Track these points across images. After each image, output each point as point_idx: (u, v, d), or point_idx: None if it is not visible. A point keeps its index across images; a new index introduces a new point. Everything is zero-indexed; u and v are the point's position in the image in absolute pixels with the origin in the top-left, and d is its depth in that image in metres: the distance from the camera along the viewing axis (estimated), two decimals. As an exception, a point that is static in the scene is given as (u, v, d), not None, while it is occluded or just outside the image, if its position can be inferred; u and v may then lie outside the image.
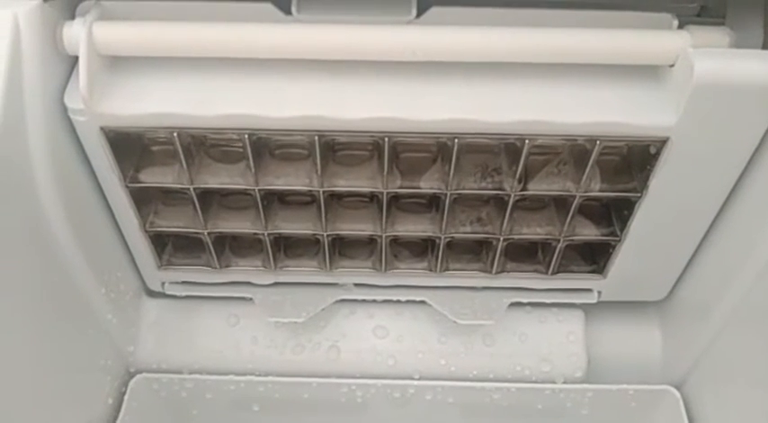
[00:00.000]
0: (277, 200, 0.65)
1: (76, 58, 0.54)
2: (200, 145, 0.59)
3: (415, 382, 0.70)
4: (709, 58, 0.50)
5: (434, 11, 0.53)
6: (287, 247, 0.69)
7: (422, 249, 0.69)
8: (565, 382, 0.70)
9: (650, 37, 0.52)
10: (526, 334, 0.71)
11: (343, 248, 0.69)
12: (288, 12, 0.54)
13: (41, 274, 0.56)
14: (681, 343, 0.71)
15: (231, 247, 0.69)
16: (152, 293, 0.72)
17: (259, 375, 0.70)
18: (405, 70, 0.53)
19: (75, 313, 0.62)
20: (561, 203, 0.62)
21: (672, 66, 0.52)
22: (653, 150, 0.56)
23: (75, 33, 0.52)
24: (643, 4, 0.54)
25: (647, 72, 0.54)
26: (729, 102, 0.51)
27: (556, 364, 0.70)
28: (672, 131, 0.53)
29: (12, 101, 0.50)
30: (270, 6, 0.54)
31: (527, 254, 0.69)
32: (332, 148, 0.59)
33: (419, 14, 0.53)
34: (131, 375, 0.70)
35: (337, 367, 0.71)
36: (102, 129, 0.54)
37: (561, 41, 0.51)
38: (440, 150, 0.59)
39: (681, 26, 0.53)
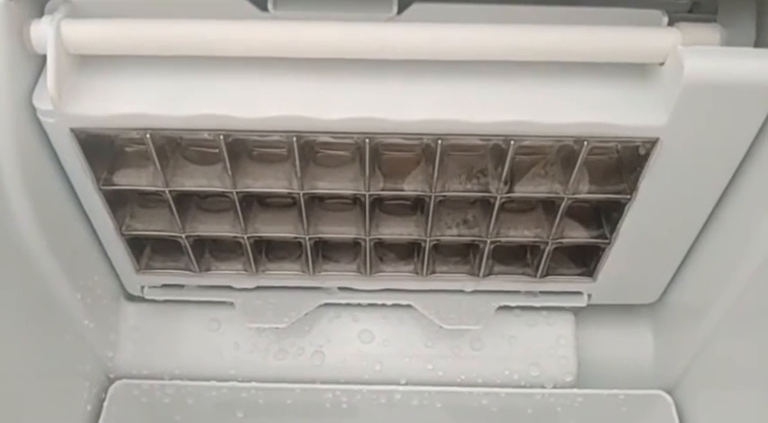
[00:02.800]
0: (257, 202, 0.63)
1: (45, 57, 0.52)
2: (176, 146, 0.57)
3: (402, 388, 0.68)
4: (700, 56, 0.48)
5: (416, 7, 0.51)
6: (268, 251, 0.67)
7: (408, 252, 0.67)
8: (555, 387, 0.68)
9: (639, 34, 0.50)
10: (515, 338, 0.69)
11: (326, 251, 0.67)
12: (264, 8, 0.52)
13: (13, 279, 0.54)
14: (673, 347, 0.70)
15: (211, 250, 0.67)
16: (131, 298, 0.70)
17: (242, 381, 0.68)
18: (386, 69, 0.52)
19: (51, 319, 0.60)
20: (549, 206, 0.61)
21: (662, 64, 0.51)
22: (642, 151, 0.54)
23: (43, 31, 0.50)
24: (633, 1, 0.52)
25: (637, 71, 0.52)
26: (721, 101, 0.49)
27: (545, 368, 0.69)
28: (661, 132, 0.51)
29: None
30: (244, 2, 0.52)
31: (515, 256, 0.67)
32: (312, 149, 0.57)
33: (400, 11, 0.51)
34: (111, 381, 0.68)
35: (322, 373, 0.69)
36: (72, 130, 0.52)
37: (548, 39, 0.50)
38: (423, 151, 0.57)
39: (671, 23, 0.51)
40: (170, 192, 0.57)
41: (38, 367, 0.59)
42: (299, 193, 0.57)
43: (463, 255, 0.67)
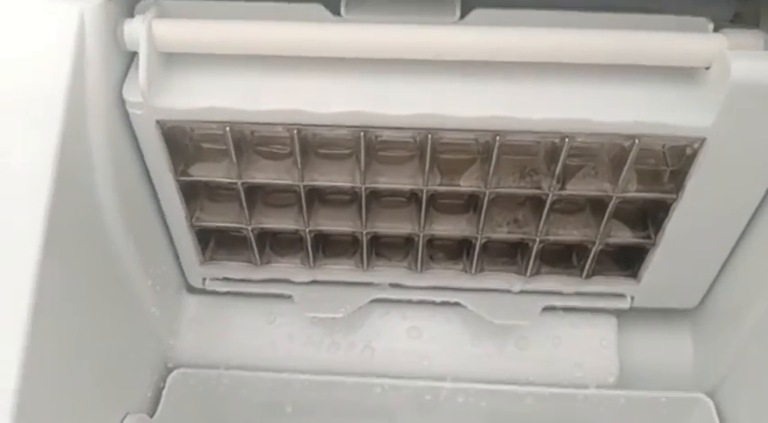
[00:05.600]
0: (318, 199, 0.67)
1: (134, 54, 0.57)
2: (249, 143, 0.61)
3: (448, 385, 0.70)
4: (746, 59, 0.51)
5: (477, 12, 0.56)
6: (325, 247, 0.71)
7: (457, 251, 0.70)
8: (597, 388, 0.70)
9: (688, 39, 0.53)
10: (559, 338, 0.72)
11: (379, 249, 0.71)
12: (337, 12, 0.56)
13: (93, 259, 0.58)
14: (713, 350, 0.71)
15: (271, 244, 0.71)
16: (193, 290, 0.74)
17: (295, 373, 0.71)
18: (447, 69, 0.55)
19: (123, 303, 0.64)
20: (597, 206, 0.63)
21: (707, 68, 0.54)
22: (689, 151, 0.57)
23: (136, 30, 0.54)
24: (679, 9, 0.56)
25: (683, 74, 0.55)
26: (765, 102, 0.52)
27: (589, 369, 0.71)
28: (708, 132, 0.55)
29: (75, 94, 0.53)
30: (319, 7, 0.56)
31: (561, 257, 0.70)
32: (374, 148, 0.61)
33: (463, 16, 0.56)
34: (169, 370, 0.71)
35: (371, 367, 0.71)
36: (157, 122, 0.57)
37: (601, 42, 0.53)
38: (479, 151, 0.61)
39: (716, 31, 0.55)
40: (242, 184, 0.61)
41: (107, 350, 0.62)
42: (360, 188, 0.61)
43: (511, 255, 0.70)
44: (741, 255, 0.65)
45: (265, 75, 0.56)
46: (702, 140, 0.55)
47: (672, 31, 0.53)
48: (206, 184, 0.66)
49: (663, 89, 0.55)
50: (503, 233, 0.65)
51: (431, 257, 0.70)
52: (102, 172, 0.57)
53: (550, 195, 0.60)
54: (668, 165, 0.60)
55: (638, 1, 0.56)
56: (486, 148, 0.59)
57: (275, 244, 0.71)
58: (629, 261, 0.69)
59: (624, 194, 0.60)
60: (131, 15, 0.56)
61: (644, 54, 0.54)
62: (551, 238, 0.65)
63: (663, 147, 0.60)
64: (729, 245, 0.64)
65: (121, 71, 0.57)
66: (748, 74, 0.51)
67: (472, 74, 0.56)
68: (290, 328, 0.73)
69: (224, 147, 0.60)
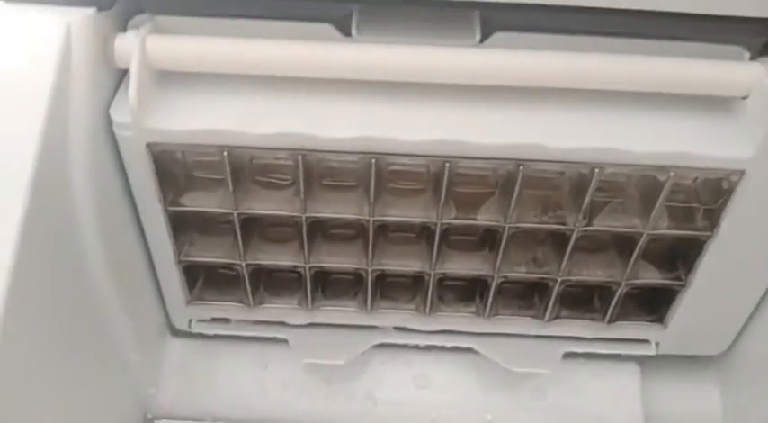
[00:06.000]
0: (320, 234, 0.61)
1: (124, 73, 0.52)
2: (247, 171, 0.56)
3: (459, 439, 0.64)
4: (788, 86, 0.48)
5: (498, 36, 0.52)
6: (325, 287, 0.65)
7: (469, 293, 0.65)
8: (621, 442, 0.64)
9: (725, 67, 0.50)
10: (579, 388, 0.66)
11: (384, 289, 0.65)
12: (348, 33, 0.52)
13: (68, 297, 0.52)
14: (742, 401, 0.66)
15: (266, 284, 0.65)
16: (177, 333, 0.67)
17: (289, 425, 0.64)
18: (467, 94, 0.51)
19: (99, 346, 0.57)
20: (623, 245, 0.59)
21: (744, 98, 0.50)
22: (726, 185, 0.53)
23: (128, 45, 0.49)
24: (711, 37, 0.52)
25: (719, 104, 0.52)
26: (811, 132, 0.49)
27: (612, 421, 0.65)
28: (748, 164, 0.50)
29: (57, 111, 0.48)
30: (329, 27, 0.52)
31: (582, 301, 0.64)
32: (385, 178, 0.56)
33: (483, 39, 0.52)
34: (149, 421, 0.64)
35: (373, 419, 0.65)
36: (148, 145, 0.51)
37: (632, 68, 0.49)
38: (498, 183, 0.56)
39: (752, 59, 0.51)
40: (238, 215, 0.56)
41: (77, 397, 0.55)
42: (368, 220, 0.56)
43: (528, 297, 0.65)
44: (773, 298, 0.61)
45: (268, 97, 0.51)
46: (742, 173, 0.51)
47: (706, 58, 0.50)
48: (197, 215, 0.60)
49: (699, 119, 0.51)
50: (521, 273, 0.60)
51: (440, 299, 0.64)
52: (82, 200, 0.51)
53: (575, 232, 0.55)
54: (700, 202, 0.56)
55: (667, 29, 0.52)
56: (506, 180, 0.55)
57: (270, 283, 0.65)
58: (654, 305, 0.64)
59: (655, 231, 0.55)
60: (124, 30, 0.51)
61: (679, 82, 0.50)
62: (573, 278, 0.60)
63: (695, 181, 0.56)
64: (763, 287, 0.60)
65: (110, 91, 0.52)
66: (790, 101, 0.48)
67: (494, 100, 0.51)
68: (284, 375, 0.66)
69: (219, 175, 0.55)
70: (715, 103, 0.52)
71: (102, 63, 0.50)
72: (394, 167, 0.57)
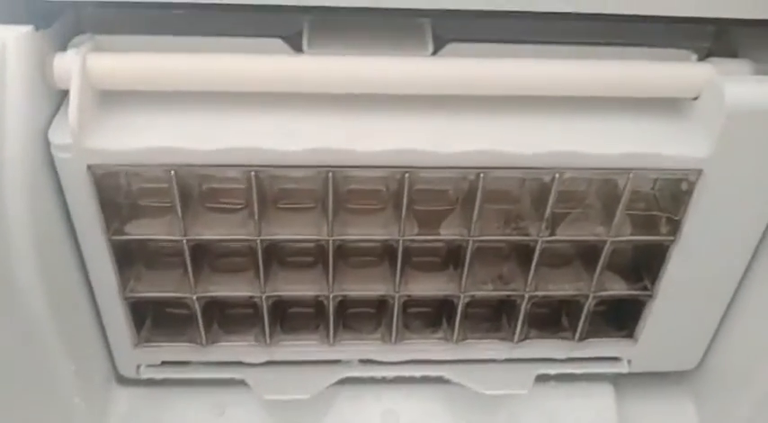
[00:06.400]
0: (276, 262, 0.58)
1: (64, 94, 0.49)
2: (197, 196, 0.54)
3: (434, 476, 0.60)
4: (738, 84, 0.49)
5: (451, 47, 0.52)
6: (283, 321, 0.61)
7: (436, 318, 0.62)
8: (602, 468, 0.61)
9: (676, 68, 0.51)
10: (554, 412, 0.63)
11: (346, 321, 0.62)
12: (299, 49, 0.51)
13: (5, 333, 0.47)
14: (718, 415, 0.64)
15: (220, 322, 0.61)
16: (123, 381, 0.62)
17: (249, 475, 0.59)
18: (422, 104, 0.51)
19: (39, 390, 0.52)
20: (588, 256, 0.58)
21: (695, 99, 0.51)
22: (684, 187, 0.53)
23: (68, 64, 0.47)
24: (659, 41, 0.53)
25: (670, 107, 0.52)
26: (763, 129, 0.49)
27: (590, 446, 0.62)
28: (705, 163, 0.51)
29: None
30: (279, 42, 0.51)
31: (551, 321, 0.63)
32: (343, 198, 0.54)
33: (435, 51, 0.51)
34: (93, 481, 0.58)
35: (342, 462, 0.61)
36: (89, 167, 0.48)
37: (585, 73, 0.50)
38: (458, 199, 0.55)
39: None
40: (187, 242, 0.52)
41: None
42: (327, 241, 0.53)
43: (496, 319, 0.63)
44: (742, 307, 0.61)
45: (218, 113, 0.49)
46: (699, 172, 0.51)
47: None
48: (143, 247, 0.57)
49: (652, 122, 0.52)
50: (488, 290, 0.58)
51: (406, 326, 0.62)
52: (18, 230, 0.47)
53: (539, 242, 0.54)
54: (661, 209, 0.56)
55: (614, 36, 0.53)
56: (466, 195, 0.53)
57: (224, 320, 0.61)
58: (624, 320, 0.62)
59: (619, 238, 0.54)
60: (64, 49, 0.48)
61: (631, 85, 0.50)
62: (541, 293, 0.58)
63: (654, 187, 0.56)
64: (730, 292, 0.59)
65: (49, 113, 0.49)
66: (742, 99, 0.48)
67: (449, 109, 0.51)
68: (244, 420, 0.61)
69: (166, 202, 0.52)
70: (666, 106, 0.52)
71: (40, 84, 0.48)
72: (352, 187, 0.55)
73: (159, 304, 0.61)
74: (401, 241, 0.54)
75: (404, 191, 0.51)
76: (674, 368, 0.66)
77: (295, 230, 0.53)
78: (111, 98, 0.49)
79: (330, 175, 0.49)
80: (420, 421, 0.62)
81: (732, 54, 0.54)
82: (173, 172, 0.49)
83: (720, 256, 0.56)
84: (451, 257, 0.58)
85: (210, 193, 0.54)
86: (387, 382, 0.63)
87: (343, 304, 0.61)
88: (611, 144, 0.50)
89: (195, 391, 0.62)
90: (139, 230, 0.53)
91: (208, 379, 0.61)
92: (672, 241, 0.55)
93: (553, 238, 0.54)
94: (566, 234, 0.54)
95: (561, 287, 0.58)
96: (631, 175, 0.51)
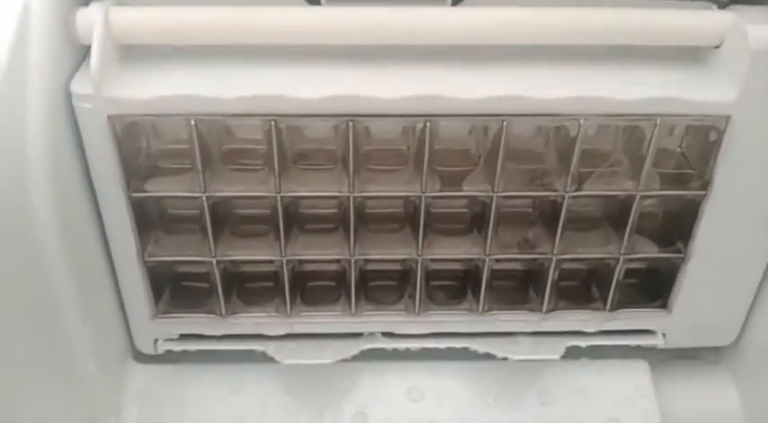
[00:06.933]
0: (297, 228, 0.57)
1: (87, 50, 0.50)
2: (217, 156, 0.53)
3: (462, 453, 0.57)
4: (762, 28, 0.48)
5: (470, -2, 0.52)
6: (304, 294, 0.60)
7: (460, 291, 0.60)
8: (641, 446, 0.58)
9: (699, 16, 0.50)
10: (587, 389, 0.60)
11: (369, 293, 0.60)
12: (316, 2, 0.51)
13: (24, 293, 0.46)
14: (762, 397, 0.61)
15: (239, 293, 0.60)
16: (140, 357, 0.60)
17: (269, 452, 0.56)
18: (444, 53, 0.50)
19: (54, 357, 0.50)
20: (617, 219, 0.56)
21: (717, 47, 0.50)
22: (713, 137, 0.51)
23: (91, 18, 0.48)
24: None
25: (692, 56, 0.52)
26: (789, 72, 0.48)
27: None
28: (733, 108, 0.49)
29: (13, 88, 0.45)
30: (297, -3, 0.51)
31: (580, 292, 0.60)
32: (363, 157, 0.54)
33: (455, 2, 0.51)
34: (108, 459, 0.56)
35: (365, 439, 0.58)
36: (109, 118, 0.48)
37: (607, 21, 0.49)
38: (480, 157, 0.54)
39: (720, 11, 0.52)
40: (208, 199, 0.52)
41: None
42: (348, 198, 0.52)
43: (523, 291, 0.60)
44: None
45: (239, 65, 0.49)
46: (727, 119, 0.50)
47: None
48: (162, 212, 0.56)
49: (677, 70, 0.51)
50: (513, 253, 0.56)
51: (430, 298, 0.60)
52: (38, 189, 0.47)
53: (566, 198, 0.53)
54: (690, 166, 0.54)
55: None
56: (489, 154, 0.52)
57: (243, 293, 0.60)
58: (656, 291, 0.60)
59: (649, 192, 0.53)
60: (86, 4, 0.49)
61: (655, 33, 0.50)
62: (569, 256, 0.56)
63: (681, 146, 0.55)
64: (766, 253, 0.57)
65: (72, 68, 0.49)
66: (767, 42, 0.47)
67: (472, 58, 0.50)
68: (262, 397, 0.59)
69: (186, 164, 0.52)
70: (689, 55, 0.51)
71: (63, 38, 0.48)
72: (372, 147, 0.55)
73: (178, 276, 0.60)
74: (423, 198, 0.52)
75: (425, 144, 0.50)
76: (711, 343, 0.63)
77: (315, 187, 0.53)
78: (133, 52, 0.50)
79: (350, 124, 0.49)
80: (446, 398, 0.59)
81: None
82: (193, 121, 0.48)
83: (754, 210, 0.54)
84: (475, 222, 0.57)
85: (230, 153, 0.54)
86: (411, 358, 0.60)
87: (365, 276, 0.60)
88: (637, 89, 0.49)
89: (213, 369, 0.60)
90: (159, 187, 0.52)
91: (226, 356, 0.60)
92: (703, 196, 0.53)
93: (580, 193, 0.53)
94: (593, 188, 0.53)
95: (590, 251, 0.56)
96: (658, 122, 0.50)
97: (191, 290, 0.60)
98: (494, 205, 0.53)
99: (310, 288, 0.60)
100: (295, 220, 0.57)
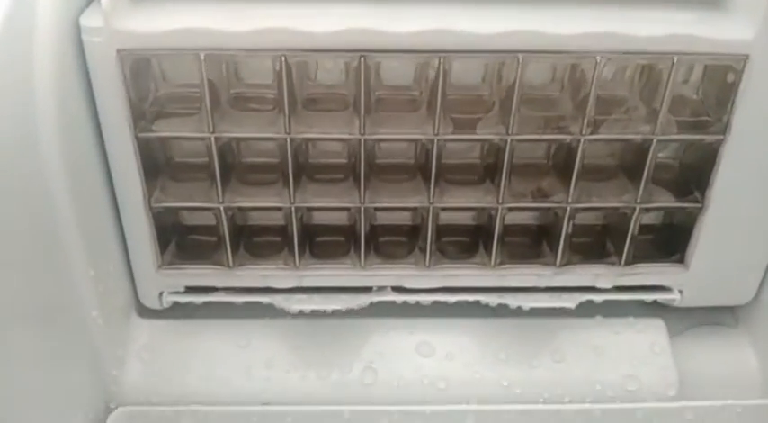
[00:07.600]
0: (306, 177, 0.56)
1: (97, -8, 0.49)
2: (225, 99, 0.52)
3: (473, 408, 0.55)
4: (781, -38, 0.47)
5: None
6: (313, 246, 0.59)
7: (471, 245, 0.59)
8: (657, 402, 0.56)
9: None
10: (601, 347, 0.59)
11: (378, 246, 0.59)
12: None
13: (21, 239, 0.45)
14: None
15: (247, 246, 0.58)
16: (144, 312, 0.59)
17: (276, 405, 0.55)
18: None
19: (62, 307, 0.49)
20: (633, 168, 0.55)
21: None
22: (731, 79, 0.50)
23: (102, -48, 0.47)
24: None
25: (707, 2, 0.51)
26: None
27: (644, 381, 0.57)
28: (751, 47, 0.48)
29: (22, 22, 0.44)
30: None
31: (595, 247, 0.59)
32: (375, 100, 0.53)
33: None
34: (110, 410, 0.54)
35: (374, 393, 0.56)
36: (119, 53, 0.47)
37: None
38: (494, 103, 0.53)
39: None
40: (216, 141, 0.51)
41: (20, 377, 0.46)
42: (359, 140, 0.51)
43: (536, 246, 0.59)
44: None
45: (249, 0, 0.49)
46: (745, 59, 0.49)
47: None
48: (169, 158, 0.55)
49: (696, 8, 0.50)
50: (527, 202, 0.55)
51: (441, 252, 0.59)
52: (45, 124, 0.46)
53: (582, 142, 0.52)
54: (707, 113, 0.53)
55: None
56: (503, 99, 0.51)
57: (251, 246, 0.59)
58: (673, 246, 0.58)
59: (666, 136, 0.52)
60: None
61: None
62: (583, 205, 0.55)
63: (698, 93, 0.54)
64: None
65: (81, 5, 0.49)
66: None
67: (484, -4, 0.50)
68: (269, 351, 0.58)
69: (194, 108, 0.51)
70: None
71: (73, -25, 0.48)
72: (383, 93, 0.54)
73: (184, 229, 0.59)
74: (436, 142, 0.52)
75: (438, 84, 0.49)
76: (728, 302, 0.61)
77: (325, 129, 0.52)
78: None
79: (362, 60, 0.48)
80: (457, 353, 0.58)
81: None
82: (202, 56, 0.48)
83: (774, 156, 0.53)
84: (488, 172, 0.56)
85: (239, 98, 0.53)
86: (422, 313, 0.59)
87: (375, 231, 0.59)
88: (655, 27, 0.48)
89: (218, 324, 0.59)
90: (167, 127, 0.51)
91: (231, 311, 0.58)
92: (721, 141, 0.52)
93: (596, 136, 0.52)
94: (609, 132, 0.52)
95: (606, 200, 0.55)
96: (675, 60, 0.49)
97: (197, 243, 0.59)
98: (507, 150, 0.52)
99: (319, 243, 0.59)
100: (304, 169, 0.56)
